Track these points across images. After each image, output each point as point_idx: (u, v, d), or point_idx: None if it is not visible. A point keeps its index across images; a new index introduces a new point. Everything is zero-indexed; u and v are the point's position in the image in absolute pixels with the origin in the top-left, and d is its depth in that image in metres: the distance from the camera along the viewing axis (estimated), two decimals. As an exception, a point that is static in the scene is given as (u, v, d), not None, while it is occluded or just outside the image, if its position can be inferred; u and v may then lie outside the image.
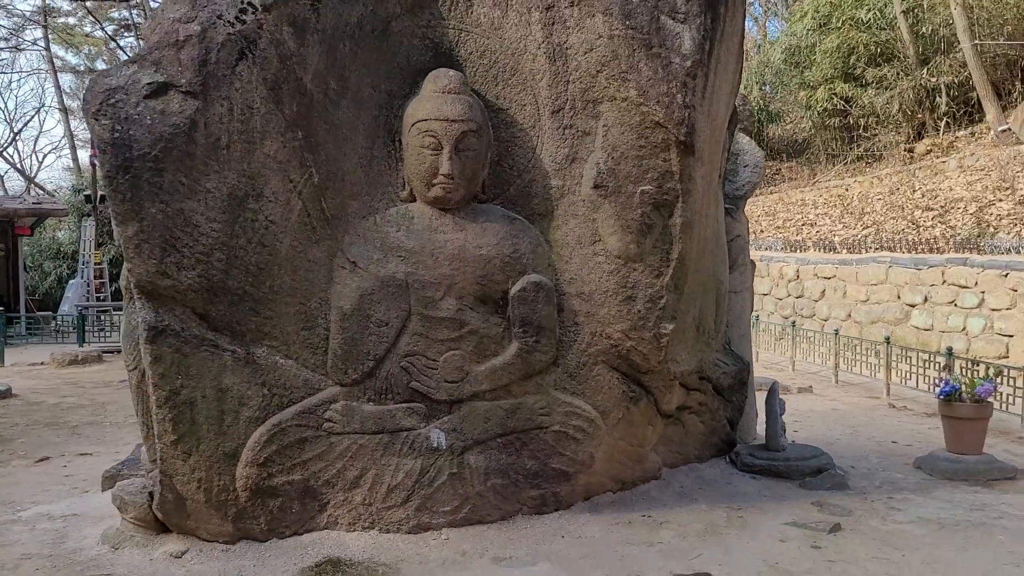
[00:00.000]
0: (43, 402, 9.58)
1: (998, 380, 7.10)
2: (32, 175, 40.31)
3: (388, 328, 4.58)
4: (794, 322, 12.66)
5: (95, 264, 20.20)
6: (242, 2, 4.19)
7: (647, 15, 4.52)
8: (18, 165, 40.24)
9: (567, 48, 4.63)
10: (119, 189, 4.10)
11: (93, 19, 39.36)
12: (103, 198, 21.18)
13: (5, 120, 41.06)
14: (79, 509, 5.28)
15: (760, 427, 6.50)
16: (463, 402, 4.73)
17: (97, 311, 18.17)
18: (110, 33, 40.79)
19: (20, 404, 9.44)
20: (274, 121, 4.30)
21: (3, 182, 39.93)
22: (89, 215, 20.89)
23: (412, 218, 4.67)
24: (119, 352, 14.41)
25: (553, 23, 4.62)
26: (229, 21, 4.17)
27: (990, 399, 6.40)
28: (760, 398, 6.67)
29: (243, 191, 4.28)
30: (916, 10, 19.23)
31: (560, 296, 4.82)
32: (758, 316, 13.57)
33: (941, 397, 6.44)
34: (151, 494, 4.59)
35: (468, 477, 4.76)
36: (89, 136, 41.14)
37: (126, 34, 42.49)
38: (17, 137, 40.34)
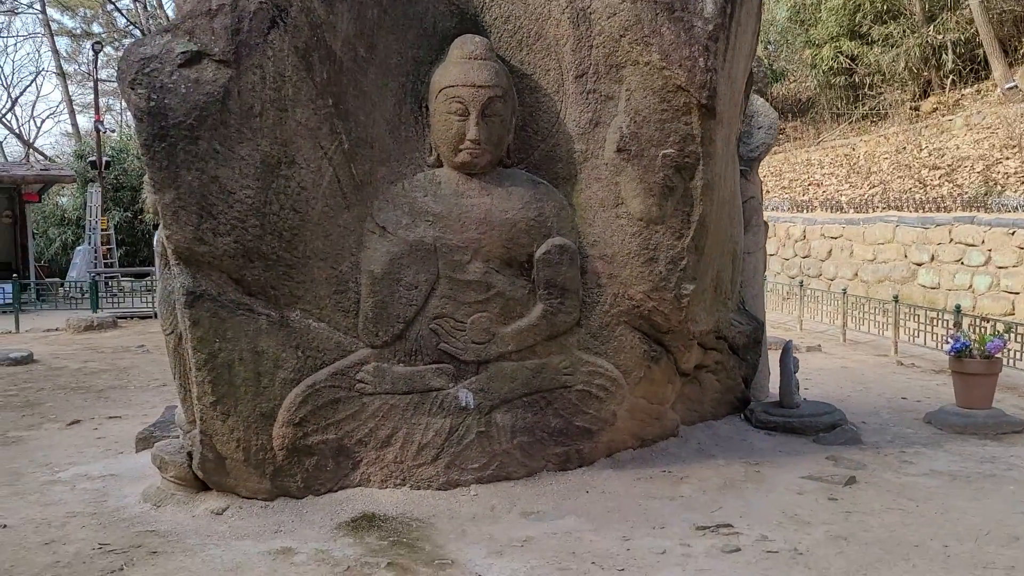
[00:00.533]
0: (65, 367, 9.73)
1: (1007, 336, 7.23)
2: (31, 140, 40.15)
3: (417, 291, 4.70)
4: (801, 282, 12.77)
5: (102, 230, 20.24)
6: (273, -29, 4.24)
7: (670, -21, 4.57)
8: (16, 131, 40.07)
9: (590, 13, 4.68)
10: (156, 157, 4.19)
11: (89, -19, 38.90)
12: (107, 164, 21.21)
13: (2, 85, 40.77)
14: (116, 470, 5.43)
15: (773, 385, 6.64)
16: (490, 362, 4.86)
17: (107, 277, 18.26)
18: (106, -5, 40.37)
19: (43, 369, 9.59)
20: (305, 88, 4.38)
21: (2, 148, 39.80)
22: (94, 181, 20.90)
23: (439, 183, 4.76)
24: (134, 318, 14.66)
25: (577, -12, 4.66)
26: (260, -10, 4.22)
27: (999, 355, 6.53)
28: (773, 357, 6.80)
29: (276, 158, 4.37)
30: (923, -35, 19.07)
31: (583, 258, 4.92)
32: (766, 276, 13.69)
33: (952, 353, 6.58)
34: (190, 454, 4.74)
35: (495, 435, 4.90)
36: (87, 100, 40.95)
37: (122, -3, 42.05)
38: (15, 103, 40.11)
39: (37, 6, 39.65)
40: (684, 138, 4.74)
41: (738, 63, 5.17)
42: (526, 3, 4.76)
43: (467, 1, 4.76)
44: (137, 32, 39.16)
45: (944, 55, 18.63)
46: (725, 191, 5.39)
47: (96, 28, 43.10)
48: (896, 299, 10.01)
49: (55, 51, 40.88)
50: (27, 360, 9.89)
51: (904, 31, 19.04)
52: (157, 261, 4.98)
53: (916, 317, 9.71)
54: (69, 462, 5.69)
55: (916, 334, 9.64)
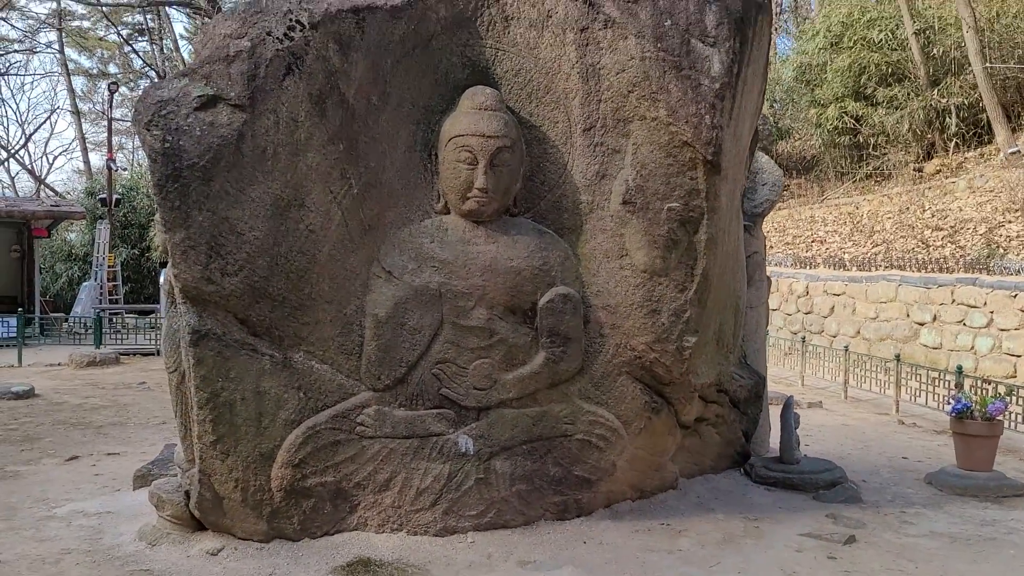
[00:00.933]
0: (66, 402, 9.74)
1: (1009, 399, 7.22)
2: (43, 177, 40.56)
3: (421, 335, 4.73)
4: (803, 338, 12.78)
5: (108, 267, 20.36)
6: (291, 20, 4.36)
7: (678, 38, 4.68)
8: (29, 166, 40.50)
9: (600, 68, 4.79)
10: (168, 197, 4.26)
11: (108, 23, 39.64)
12: (117, 201, 21.41)
13: (17, 122, 41.33)
14: (112, 507, 5.42)
15: (774, 440, 6.62)
16: (491, 409, 4.87)
17: (111, 313, 18.32)
18: (124, 37, 41.12)
19: (44, 404, 9.60)
20: (317, 133, 4.47)
21: (14, 183, 40.20)
22: (104, 218, 21.08)
23: (446, 230, 4.82)
24: (136, 355, 14.69)
25: (587, 44, 4.78)
26: (278, 38, 4.34)
27: (1000, 418, 6.52)
28: (774, 412, 6.80)
29: (286, 200, 4.44)
30: (927, 32, 19.37)
31: (587, 308, 4.96)
32: (768, 331, 13.69)
33: (953, 414, 6.56)
34: (187, 493, 4.73)
35: (494, 482, 4.89)
36: (100, 139, 41.47)
37: (139, 38, 42.84)
38: (29, 139, 40.61)
39: (55, 46, 40.36)
40: (689, 192, 4.81)
41: (743, 121, 5.26)
42: (536, 57, 4.87)
43: (479, 53, 4.87)
44: (153, 74, 39.81)
45: (948, 118, 18.84)
46: (729, 246, 5.44)
47: (112, 68, 43.82)
48: (898, 358, 10.01)
49: (71, 90, 41.54)
50: (28, 394, 9.91)
51: (908, 94, 19.29)
52: (164, 299, 5.04)
53: (918, 376, 9.71)
54: (66, 498, 5.68)
55: (918, 394, 9.62)
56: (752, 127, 5.75)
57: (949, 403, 6.81)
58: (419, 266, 4.74)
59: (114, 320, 17.74)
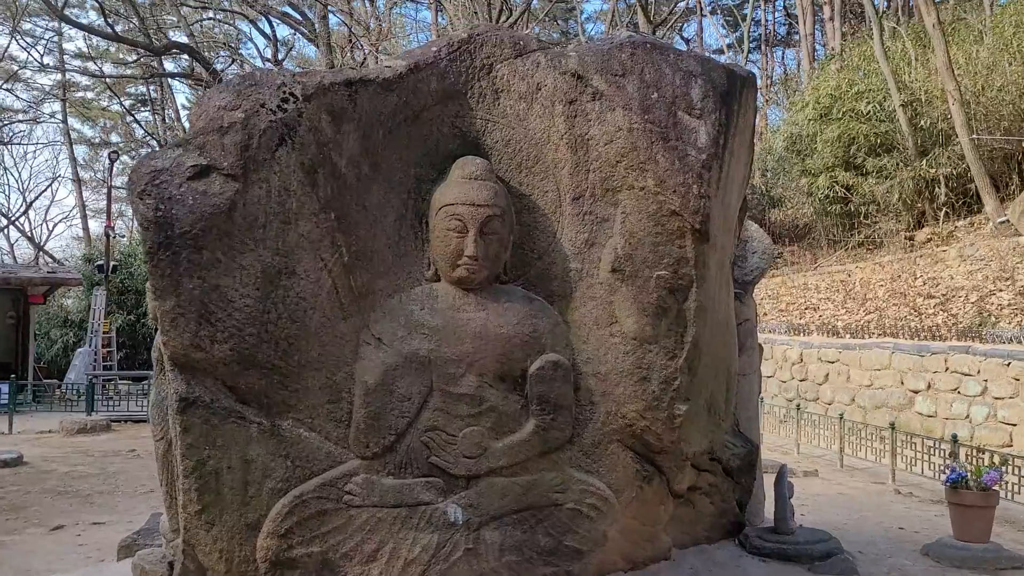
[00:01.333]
0: (54, 470, 9.64)
1: (1004, 469, 7.18)
2: (42, 243, 40.80)
3: (410, 403, 4.71)
4: (798, 405, 12.73)
5: (104, 333, 20.34)
6: (284, 92, 4.45)
7: (665, 110, 4.79)
8: (28, 233, 40.78)
9: (588, 139, 4.88)
10: (159, 265, 4.29)
11: (111, 93, 40.37)
12: (115, 268, 21.50)
13: (19, 189, 41.73)
14: (95, 578, 5.33)
15: (768, 510, 6.55)
16: (480, 478, 4.82)
17: (104, 380, 18.24)
18: (127, 107, 41.85)
19: (31, 472, 9.51)
20: (309, 203, 4.52)
21: (13, 250, 40.40)
22: (100, 284, 21.14)
23: (436, 297, 4.85)
24: (128, 421, 14.57)
25: (575, 116, 4.88)
26: (271, 109, 4.42)
27: (996, 487, 6.47)
28: (768, 480, 6.74)
29: (277, 268, 4.46)
30: (915, 104, 19.79)
31: (577, 375, 4.95)
32: (762, 398, 13.64)
33: (948, 484, 6.52)
34: (171, 564, 4.66)
35: (483, 553, 4.82)
36: (100, 206, 41.84)
37: (142, 108, 43.61)
38: (30, 207, 40.96)
39: (59, 116, 41.02)
40: (678, 261, 4.86)
41: (731, 190, 5.34)
42: (526, 128, 4.96)
43: (469, 124, 4.96)
44: (154, 143, 40.38)
45: (937, 188, 19.12)
46: (719, 313, 5.47)
47: (115, 137, 44.49)
48: (893, 426, 9.97)
49: (73, 158, 42.09)
50: (16, 462, 9.81)
51: (897, 164, 19.61)
52: (155, 367, 5.02)
53: (913, 445, 9.65)
54: (48, 569, 5.60)
55: (914, 462, 9.56)
56: (740, 196, 5.83)
57: (944, 472, 6.77)
58: (409, 333, 4.75)
59: (107, 386, 17.65)
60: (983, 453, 8.49)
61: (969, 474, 6.48)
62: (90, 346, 20.23)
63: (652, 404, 4.95)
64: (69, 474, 9.44)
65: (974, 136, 17.20)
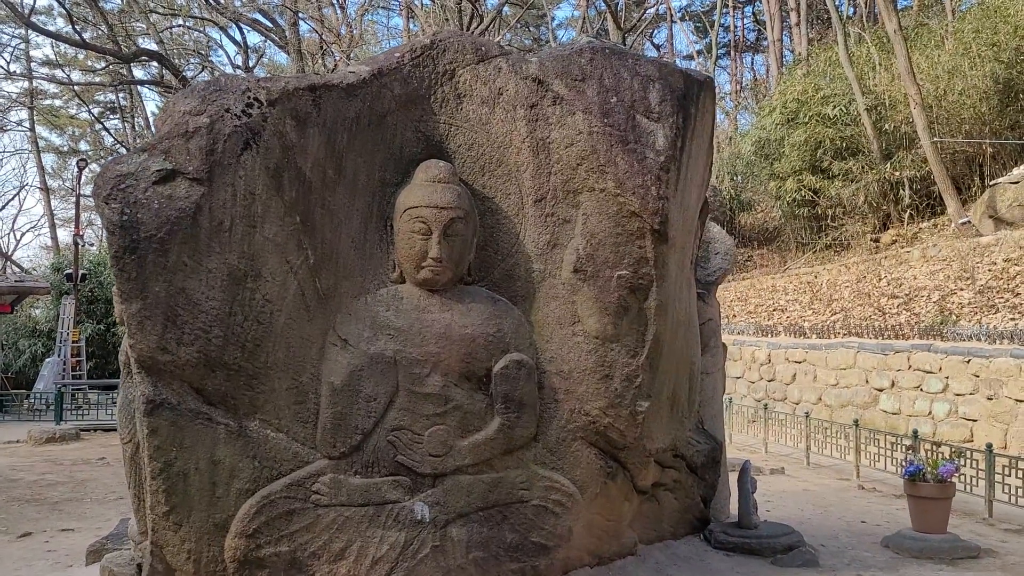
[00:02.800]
0: (21, 479, 9.57)
1: (960, 461, 7.36)
2: (9, 253, 40.29)
3: (376, 403, 4.78)
4: (766, 405, 12.91)
5: (73, 342, 20.15)
6: (249, 97, 4.52)
7: (624, 114, 4.91)
8: (-5, 243, 40.23)
9: (549, 143, 4.98)
10: (125, 268, 4.34)
11: (80, 101, 39.97)
12: (84, 277, 21.31)
13: (-15, 199, 41.22)
14: (64, 582, 5.34)
15: (733, 506, 6.67)
16: (447, 476, 4.90)
17: (74, 389, 18.08)
18: (96, 115, 41.46)
19: (-2, 481, 9.44)
20: (274, 206, 4.59)
21: (-21, 260, 39.86)
22: (69, 293, 20.95)
23: (401, 298, 4.93)
24: (98, 430, 14.44)
25: (537, 120, 4.98)
26: (236, 114, 4.49)
27: (952, 479, 6.64)
28: (733, 478, 6.86)
29: (242, 271, 4.53)
30: (879, 108, 20.13)
31: (541, 374, 5.05)
32: (731, 399, 13.82)
33: (906, 477, 6.67)
34: (139, 566, 4.70)
35: (450, 550, 4.89)
36: (68, 215, 41.39)
37: (111, 116, 43.24)
38: (-4, 216, 40.44)
39: (26, 124, 40.55)
40: (638, 260, 4.97)
41: (690, 192, 5.46)
42: (488, 132, 5.06)
43: (433, 129, 5.05)
44: (124, 150, 40.02)
45: (902, 191, 19.45)
46: (680, 312, 5.59)
47: (84, 146, 44.04)
48: (856, 423, 10.15)
49: (41, 167, 41.59)
50: (-17, 471, 9.75)
51: (863, 167, 19.92)
52: (122, 370, 5.05)
53: (876, 442, 9.83)
54: (16, 575, 5.58)
55: (877, 459, 9.73)
56: (700, 198, 5.96)
57: (903, 466, 6.92)
58: (375, 334, 4.82)
59: (76, 396, 17.49)
60: (940, 447, 8.68)
61: (926, 467, 6.64)
62: (59, 356, 20.04)
63: (615, 401, 5.06)
64: (37, 482, 9.38)
65: (935, 139, 17.53)
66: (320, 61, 31.71)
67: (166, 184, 4.39)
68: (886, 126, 19.83)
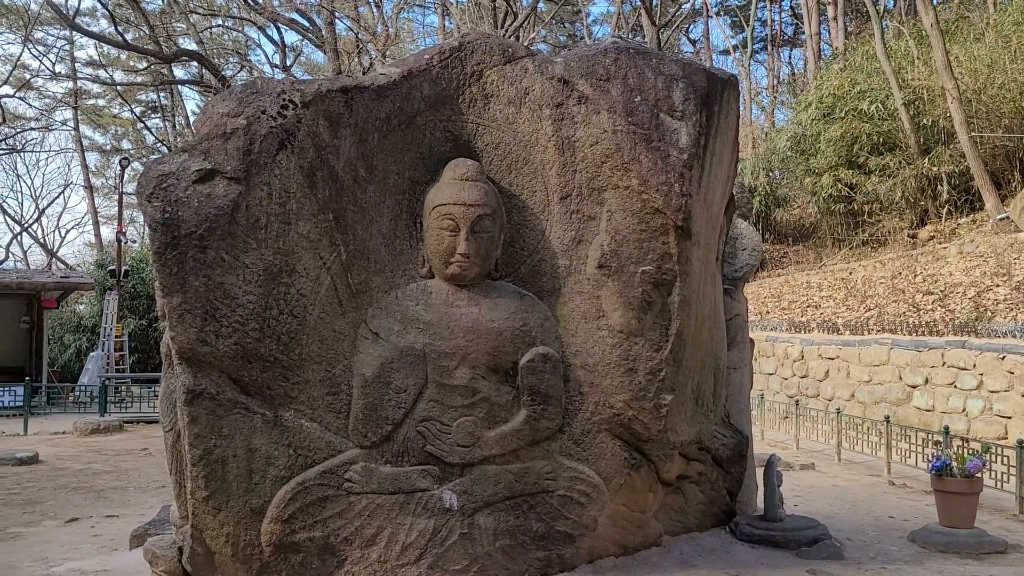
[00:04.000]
0: (68, 468, 9.91)
1: (988, 457, 7.34)
2: (55, 250, 41.23)
3: (406, 395, 4.94)
4: (798, 401, 12.90)
5: (116, 337, 20.65)
6: (284, 99, 4.70)
7: (647, 113, 5.01)
8: (41, 240, 41.21)
9: (575, 141, 5.10)
10: (167, 264, 4.54)
11: (122, 101, 40.77)
12: (127, 273, 21.82)
13: (31, 197, 42.21)
14: (109, 565, 5.57)
15: (760, 499, 6.73)
16: (474, 465, 5.04)
17: (117, 382, 18.54)
18: (137, 114, 42.28)
19: (47, 469, 9.78)
20: (308, 204, 4.77)
21: (27, 257, 40.86)
22: (112, 289, 21.46)
23: (430, 293, 5.08)
24: (140, 422, 14.85)
25: (562, 119, 5.10)
26: (272, 116, 4.67)
27: (979, 474, 6.64)
28: (760, 472, 6.92)
29: (278, 266, 4.71)
30: (917, 102, 19.90)
31: (566, 367, 5.18)
32: (762, 395, 13.81)
33: (933, 472, 6.69)
34: (180, 548, 4.90)
35: (478, 537, 5.04)
36: (111, 213, 42.25)
37: (152, 115, 44.05)
38: (42, 214, 41.41)
39: (70, 123, 41.46)
40: (662, 256, 5.07)
41: (714, 189, 5.54)
42: (515, 131, 5.19)
43: (461, 128, 5.20)
44: (165, 149, 40.77)
45: (940, 186, 19.23)
46: (704, 307, 5.67)
47: (126, 144, 44.93)
48: (888, 420, 10.13)
49: (84, 165, 42.49)
50: (32, 460, 10.09)
51: (900, 162, 19.73)
52: (163, 362, 5.27)
53: (908, 438, 9.81)
54: (64, 558, 5.83)
55: (908, 455, 9.71)
56: (725, 195, 6.03)
57: (930, 462, 6.94)
58: (404, 328, 4.98)
59: (119, 389, 17.95)
60: (966, 442, 8.65)
61: (953, 462, 6.65)
62: (103, 350, 20.56)
63: (639, 394, 5.16)
64: (83, 471, 9.71)
65: (974, 134, 17.32)
66: (356, 60, 32.04)
67: (205, 183, 4.59)
68: (924, 121, 19.61)
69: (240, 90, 4.79)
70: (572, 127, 5.11)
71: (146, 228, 4.62)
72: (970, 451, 7.37)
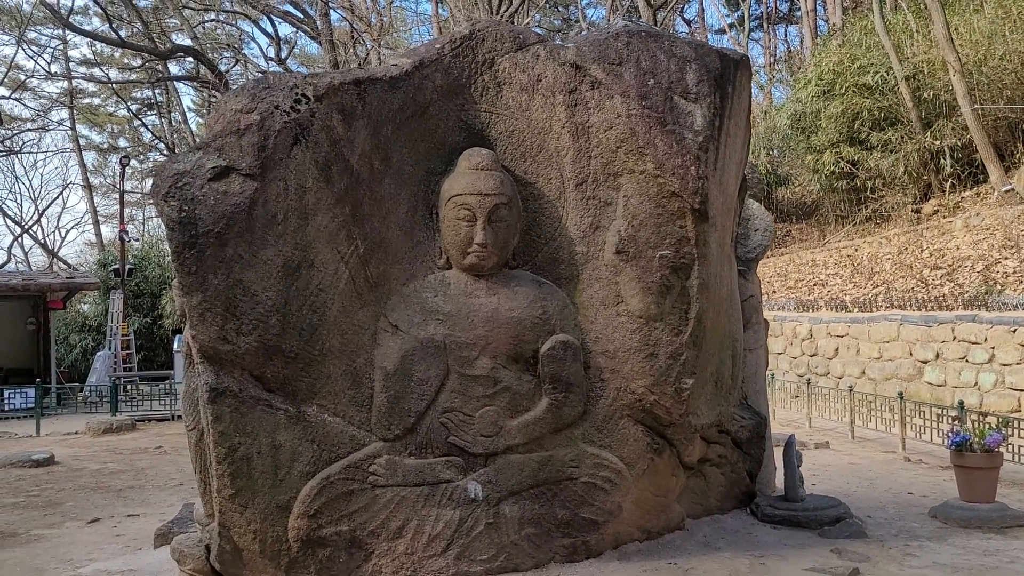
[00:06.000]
0: (85, 468, 9.93)
1: (1007, 431, 7.35)
2: (55, 250, 41.21)
3: (428, 386, 4.93)
4: (809, 380, 12.90)
5: (122, 335, 20.67)
6: (297, 94, 4.67)
7: (661, 96, 4.98)
8: (42, 241, 41.19)
9: (589, 127, 5.07)
10: (185, 263, 4.52)
11: (118, 99, 40.65)
12: (130, 271, 21.81)
13: (30, 198, 42.16)
14: (135, 565, 5.58)
15: (779, 480, 6.74)
16: (498, 455, 5.04)
17: (126, 381, 18.57)
18: (134, 112, 42.17)
19: (64, 470, 9.80)
20: (324, 198, 4.74)
21: (28, 258, 40.85)
22: (117, 288, 21.46)
23: (449, 284, 5.07)
24: (151, 421, 14.89)
25: (575, 105, 5.07)
26: (285, 111, 4.64)
27: (1000, 449, 6.65)
28: (778, 453, 6.93)
29: (296, 261, 4.69)
30: (918, 76, 19.82)
31: (586, 354, 5.16)
32: (773, 374, 13.82)
33: (953, 448, 6.69)
34: (207, 547, 4.90)
35: (503, 527, 5.04)
36: (110, 211, 42.21)
37: (148, 112, 43.93)
38: (42, 215, 41.37)
39: (67, 123, 41.35)
40: (679, 240, 5.05)
41: (729, 171, 5.52)
42: (529, 119, 5.16)
43: (474, 117, 5.17)
44: (162, 146, 40.69)
45: (942, 160, 19.17)
46: (722, 290, 5.66)
47: (123, 142, 44.83)
48: (901, 396, 10.14)
49: (82, 165, 42.42)
50: (48, 462, 10.12)
51: (902, 137, 19.66)
52: (182, 362, 5.26)
53: (921, 414, 9.82)
54: (89, 559, 5.85)
55: (922, 431, 9.73)
56: (739, 176, 6.01)
57: (949, 437, 6.94)
58: (424, 319, 4.96)
59: (129, 388, 17.97)
60: (987, 417, 8.65)
61: (973, 437, 6.65)
62: (109, 349, 20.58)
63: (660, 379, 5.15)
64: (100, 471, 9.73)
65: (976, 106, 17.25)
66: (352, 50, 31.91)
67: (221, 180, 4.55)
68: (925, 94, 19.53)
69: (252, 86, 4.75)
70: (586, 113, 5.08)
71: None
72: (988, 426, 7.36)
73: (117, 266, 21.69)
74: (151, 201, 4.69)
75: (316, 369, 4.78)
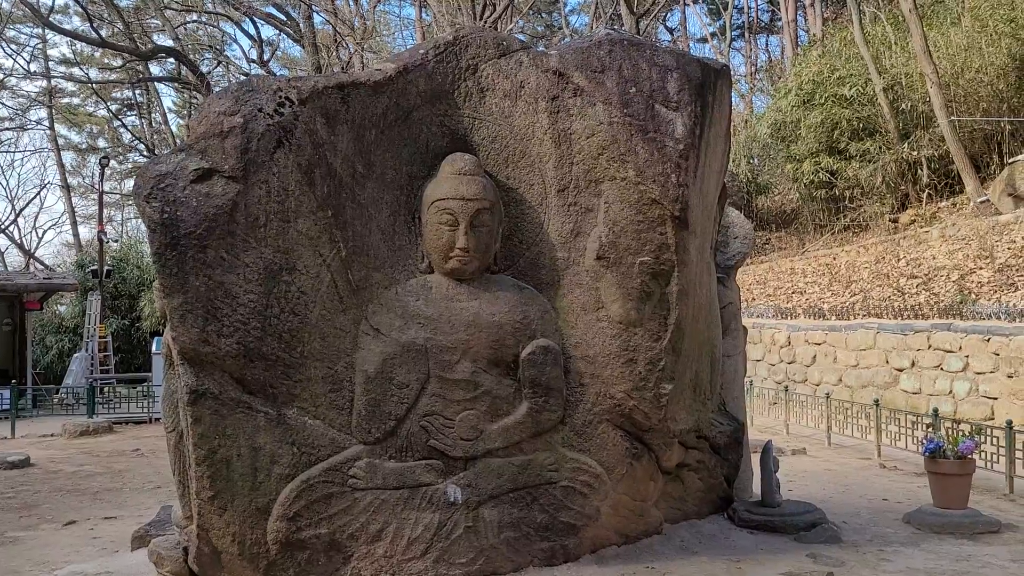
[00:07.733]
0: (61, 470, 9.85)
1: (979, 438, 7.45)
2: (32, 251, 40.81)
3: (408, 390, 4.95)
4: (787, 387, 13.01)
5: (100, 337, 20.50)
6: (280, 97, 4.68)
7: (643, 104, 5.03)
8: (18, 241, 40.78)
9: (571, 133, 5.12)
10: (167, 264, 4.52)
11: (97, 99, 40.34)
12: (108, 273, 21.65)
13: (7, 198, 41.76)
14: (112, 567, 5.54)
15: (756, 485, 6.80)
16: (478, 459, 5.07)
17: (103, 383, 18.42)
18: (113, 112, 41.85)
19: (40, 473, 9.71)
20: (307, 201, 4.75)
21: (3, 258, 40.44)
22: (95, 289, 21.29)
23: (430, 288, 5.09)
24: (129, 423, 14.78)
25: (558, 111, 5.12)
26: (268, 113, 4.65)
27: (972, 456, 6.74)
28: (756, 459, 6.99)
29: (278, 265, 4.70)
30: (896, 87, 20.05)
31: (567, 359, 5.20)
32: (752, 381, 13.91)
33: (926, 454, 6.78)
34: (186, 549, 4.89)
35: (483, 530, 5.06)
36: (88, 212, 41.87)
37: (128, 113, 43.62)
38: (19, 215, 40.97)
39: (45, 122, 40.98)
40: (659, 247, 5.10)
41: (709, 178, 5.58)
42: (511, 125, 5.20)
43: (457, 123, 5.20)
44: (142, 147, 40.41)
45: (920, 170, 19.39)
46: (701, 296, 5.71)
47: (102, 143, 44.47)
48: (877, 403, 10.25)
49: (61, 165, 42.03)
50: (24, 464, 10.03)
51: (880, 147, 19.87)
52: (161, 364, 5.25)
53: (897, 421, 9.93)
54: (65, 560, 5.81)
55: (898, 438, 9.83)
56: (719, 184, 6.08)
57: (923, 444, 7.03)
58: (405, 323, 4.98)
59: (106, 390, 17.83)
60: (960, 424, 8.77)
61: (946, 444, 6.74)
62: (86, 351, 20.41)
63: (639, 384, 5.20)
64: (76, 473, 9.66)
65: (953, 118, 17.47)
66: (335, 54, 31.87)
67: (203, 182, 4.56)
68: (903, 106, 19.75)
69: (236, 88, 4.76)
70: (568, 119, 5.13)
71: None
72: (961, 433, 7.46)
73: (95, 267, 21.53)
74: (132, 202, 4.68)
75: (297, 372, 4.79)
